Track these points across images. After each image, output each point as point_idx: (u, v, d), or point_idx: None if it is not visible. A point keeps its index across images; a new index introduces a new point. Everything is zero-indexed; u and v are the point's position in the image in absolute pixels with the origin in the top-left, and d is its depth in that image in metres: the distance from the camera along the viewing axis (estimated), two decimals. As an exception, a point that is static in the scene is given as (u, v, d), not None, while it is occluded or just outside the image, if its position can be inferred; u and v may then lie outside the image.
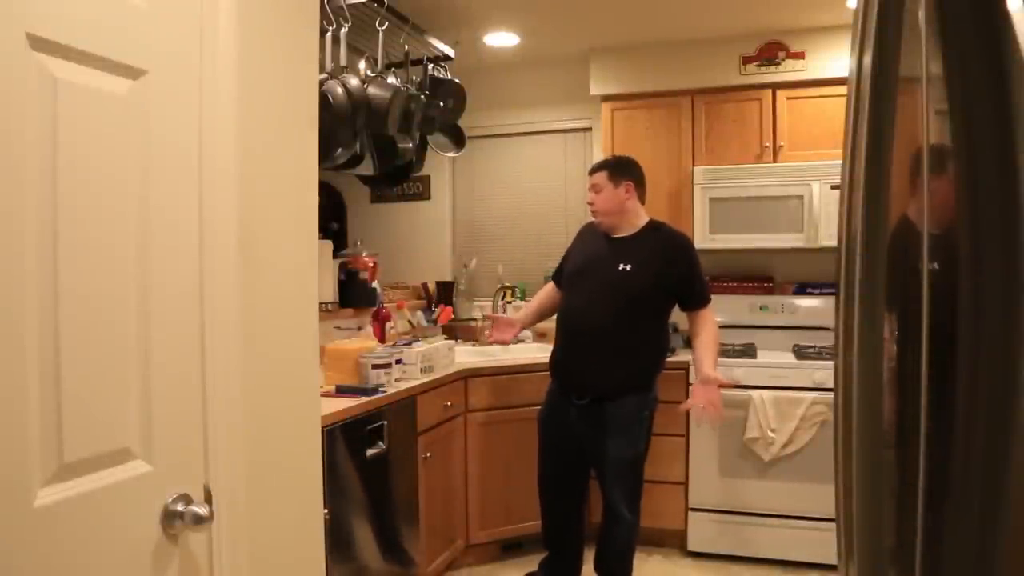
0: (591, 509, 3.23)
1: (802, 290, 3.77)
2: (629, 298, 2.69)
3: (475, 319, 4.12)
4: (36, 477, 0.99)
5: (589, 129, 4.15)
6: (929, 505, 0.60)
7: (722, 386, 2.75)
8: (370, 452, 2.47)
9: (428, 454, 2.87)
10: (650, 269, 2.70)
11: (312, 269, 1.67)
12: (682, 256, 2.78)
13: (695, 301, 2.80)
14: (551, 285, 3.13)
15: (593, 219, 2.87)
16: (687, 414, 3.37)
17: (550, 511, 2.96)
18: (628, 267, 2.71)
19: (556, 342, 2.90)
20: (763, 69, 3.59)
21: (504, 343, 3.23)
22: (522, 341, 3.92)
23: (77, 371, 1.05)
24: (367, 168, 2.96)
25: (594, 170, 2.86)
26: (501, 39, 3.73)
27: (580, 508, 2.98)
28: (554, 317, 3.02)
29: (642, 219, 2.83)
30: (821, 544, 3.14)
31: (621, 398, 2.70)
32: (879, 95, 0.73)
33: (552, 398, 2.91)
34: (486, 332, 3.34)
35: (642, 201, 2.85)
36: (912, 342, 0.63)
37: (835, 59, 3.46)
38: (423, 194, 4.41)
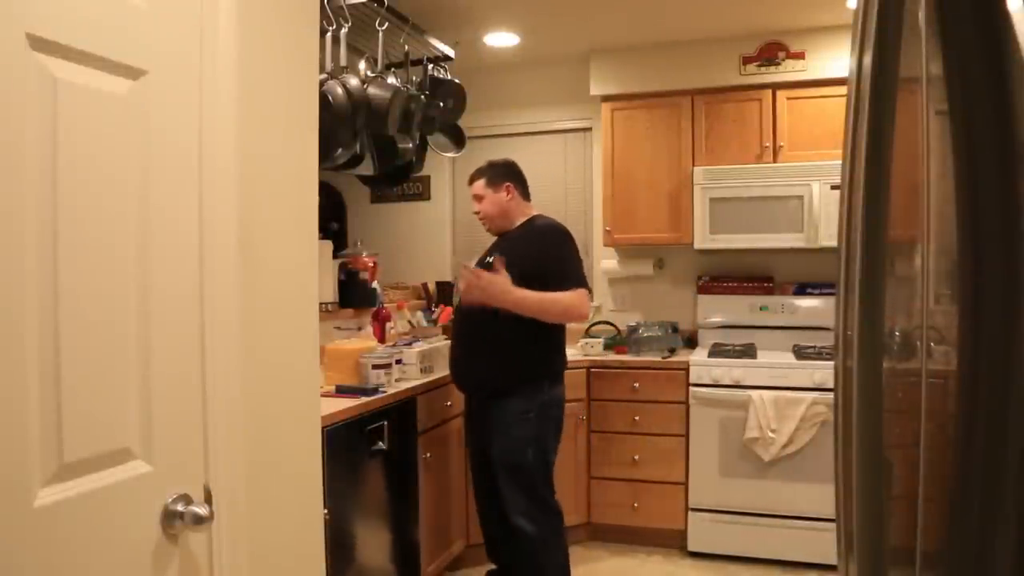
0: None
1: (802, 290, 3.77)
2: None
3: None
4: (36, 477, 0.99)
5: (589, 129, 4.16)
6: (929, 505, 0.60)
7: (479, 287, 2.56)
8: (370, 452, 2.47)
9: (428, 454, 2.87)
10: (514, 259, 2.63)
11: (312, 269, 1.67)
12: (543, 241, 2.70)
13: (557, 283, 2.60)
14: None
15: (483, 226, 2.91)
16: (687, 415, 3.37)
17: (480, 521, 2.95)
18: (491, 259, 2.72)
19: (451, 343, 2.91)
20: (763, 69, 3.59)
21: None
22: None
23: (77, 371, 1.05)
24: (367, 168, 2.96)
25: (472, 180, 2.89)
26: (501, 39, 3.73)
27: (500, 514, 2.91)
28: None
29: (525, 215, 2.84)
30: (821, 544, 3.14)
31: (502, 398, 2.62)
32: (879, 95, 0.73)
33: (463, 403, 2.95)
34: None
35: (525, 197, 2.87)
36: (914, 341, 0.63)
37: (835, 59, 3.46)
38: (423, 194, 4.41)
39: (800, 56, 3.53)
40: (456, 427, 3.16)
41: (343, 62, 2.75)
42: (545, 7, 3.32)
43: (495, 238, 2.92)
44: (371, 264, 3.38)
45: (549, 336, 2.67)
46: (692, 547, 3.39)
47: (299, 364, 1.63)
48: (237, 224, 1.36)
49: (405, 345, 3.02)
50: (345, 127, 2.64)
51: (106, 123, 1.10)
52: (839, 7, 3.22)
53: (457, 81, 3.42)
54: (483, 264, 2.80)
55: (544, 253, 2.67)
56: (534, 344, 2.64)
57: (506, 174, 2.84)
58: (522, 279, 2.58)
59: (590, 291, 2.68)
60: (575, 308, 2.61)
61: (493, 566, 3.04)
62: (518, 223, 2.82)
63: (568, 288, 2.60)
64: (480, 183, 2.85)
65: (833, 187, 3.36)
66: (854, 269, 0.76)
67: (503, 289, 2.54)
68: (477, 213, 2.88)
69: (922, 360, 0.61)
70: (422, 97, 3.10)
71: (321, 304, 2.64)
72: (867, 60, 0.75)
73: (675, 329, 3.77)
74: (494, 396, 2.66)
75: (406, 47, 3.12)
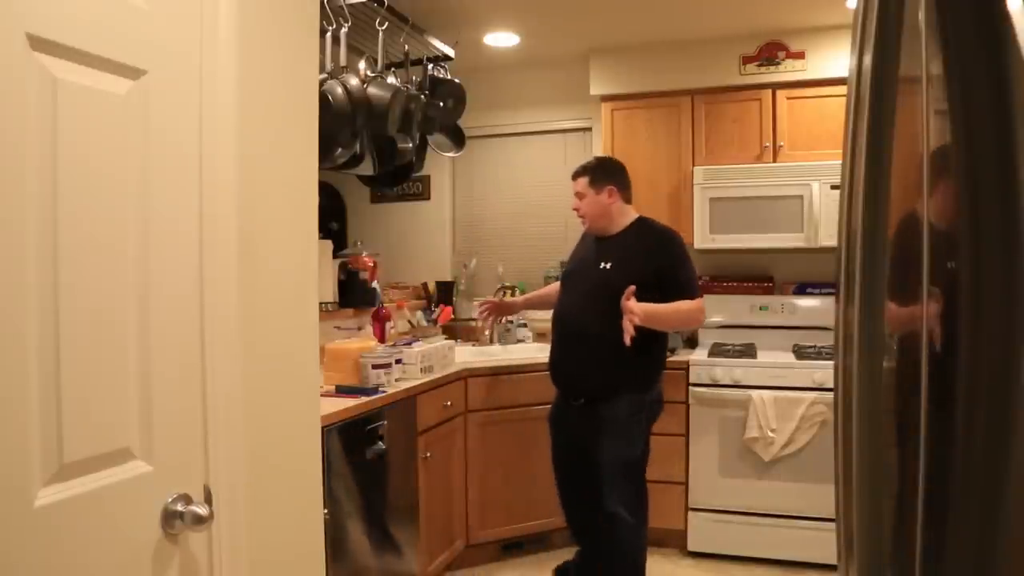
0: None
1: (802, 290, 3.76)
2: (610, 296, 2.64)
3: (475, 319, 4.12)
4: (36, 477, 0.99)
5: (589, 129, 4.15)
6: (929, 505, 0.60)
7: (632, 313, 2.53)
8: (370, 452, 2.47)
9: (428, 454, 2.87)
10: (630, 265, 2.66)
11: (312, 269, 1.67)
12: (661, 248, 2.71)
13: (677, 293, 2.63)
14: (558, 284, 3.09)
15: (583, 224, 2.88)
16: (687, 415, 3.37)
17: (567, 509, 2.96)
18: (608, 265, 2.71)
19: (551, 345, 2.91)
20: (763, 69, 3.59)
21: (490, 315, 3.24)
22: (521, 341, 3.93)
23: (77, 371, 1.05)
24: (367, 168, 2.96)
25: (576, 175, 2.85)
26: (501, 39, 3.73)
27: (596, 504, 2.95)
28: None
29: (628, 218, 2.81)
30: (821, 544, 3.14)
31: (614, 399, 2.67)
32: (879, 95, 0.73)
33: (556, 399, 2.93)
34: (480, 309, 3.25)
35: (628, 200, 2.83)
36: (913, 342, 0.63)
37: (835, 59, 3.46)
38: (423, 194, 4.41)
39: (800, 56, 3.53)
40: (456, 427, 3.16)
41: (343, 62, 2.75)
42: (545, 7, 3.32)
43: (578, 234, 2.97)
44: (371, 264, 3.38)
45: (656, 341, 2.71)
46: (692, 547, 3.39)
47: (299, 364, 1.63)
48: (237, 224, 1.36)
49: (405, 345, 3.02)
50: (345, 127, 2.64)
51: (106, 123, 1.10)
52: (839, 7, 3.22)
53: (457, 81, 3.42)
54: (586, 261, 2.82)
55: (666, 259, 2.68)
56: (645, 350, 2.65)
57: (610, 176, 2.80)
58: (640, 286, 2.58)
59: (702, 296, 2.71)
60: (694, 316, 2.68)
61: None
62: (621, 226, 2.79)
63: (688, 298, 2.64)
64: (583, 181, 2.80)
65: (833, 187, 3.36)
66: (854, 269, 0.76)
67: (643, 312, 2.54)
68: (577, 210, 2.84)
69: (922, 360, 0.61)
70: (422, 97, 3.10)
71: (321, 304, 2.64)
72: (867, 60, 0.75)
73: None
74: (606, 399, 2.68)
75: (406, 47, 3.12)
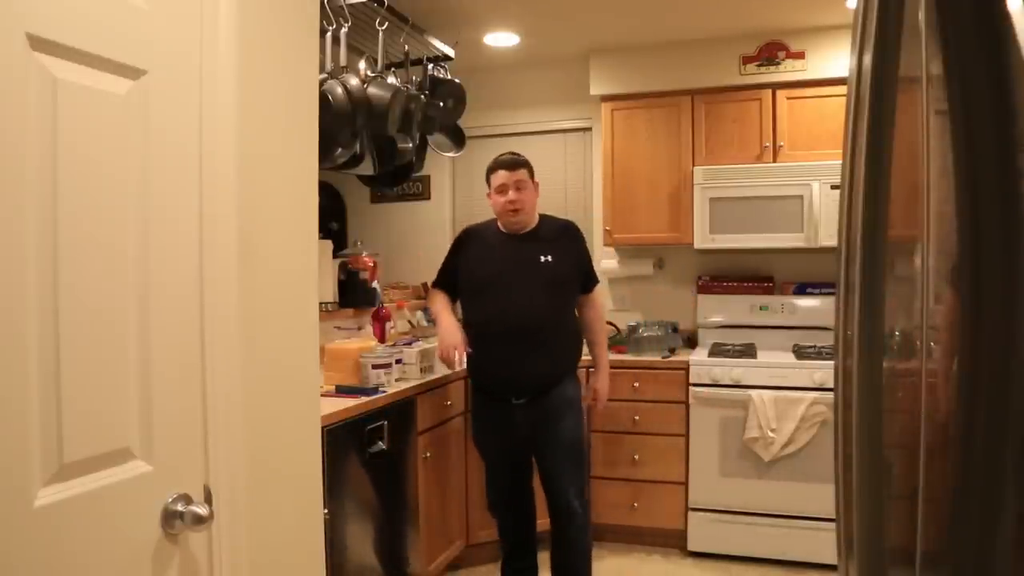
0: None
1: (802, 290, 3.76)
2: (559, 286, 2.78)
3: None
4: (36, 477, 0.99)
5: (589, 129, 4.16)
6: (929, 505, 0.60)
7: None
8: (370, 452, 2.47)
9: (428, 454, 2.87)
10: (566, 255, 2.81)
11: (312, 269, 1.67)
12: (580, 239, 2.91)
13: (593, 280, 2.93)
14: (443, 294, 2.96)
15: (512, 218, 2.78)
16: (687, 415, 3.37)
17: (511, 527, 2.94)
18: (549, 258, 2.77)
19: (480, 350, 2.76)
20: (763, 69, 3.58)
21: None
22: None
23: (77, 371, 1.05)
24: (367, 168, 2.95)
25: (516, 166, 2.79)
26: (501, 39, 3.73)
27: (533, 514, 2.99)
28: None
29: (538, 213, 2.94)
30: (821, 544, 3.14)
31: (561, 383, 2.77)
32: (879, 95, 0.73)
33: (485, 410, 2.85)
34: (454, 355, 2.76)
35: None
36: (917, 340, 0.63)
37: (835, 59, 3.46)
38: (423, 194, 4.41)
39: (800, 56, 3.53)
40: (456, 427, 3.16)
41: (343, 62, 2.75)
42: (545, 7, 3.32)
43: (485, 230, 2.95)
44: (371, 264, 3.38)
45: (579, 330, 2.95)
46: (692, 547, 3.39)
47: (299, 364, 1.63)
48: (237, 224, 1.36)
49: (405, 345, 3.02)
50: (345, 127, 2.64)
51: (106, 123, 1.10)
52: (839, 7, 3.22)
53: (457, 81, 3.42)
54: (518, 258, 2.76)
55: (583, 254, 2.91)
56: (577, 337, 2.91)
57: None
58: (567, 280, 2.81)
59: None
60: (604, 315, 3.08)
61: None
62: (535, 220, 2.89)
63: (594, 285, 2.95)
64: (524, 172, 2.81)
65: (833, 187, 3.36)
66: (854, 269, 0.76)
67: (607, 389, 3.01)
68: (514, 203, 2.74)
69: (922, 360, 0.61)
70: (422, 97, 3.10)
71: (321, 304, 2.64)
72: (867, 60, 0.75)
73: (675, 329, 3.77)
74: (555, 385, 2.75)
75: (406, 47, 3.12)
